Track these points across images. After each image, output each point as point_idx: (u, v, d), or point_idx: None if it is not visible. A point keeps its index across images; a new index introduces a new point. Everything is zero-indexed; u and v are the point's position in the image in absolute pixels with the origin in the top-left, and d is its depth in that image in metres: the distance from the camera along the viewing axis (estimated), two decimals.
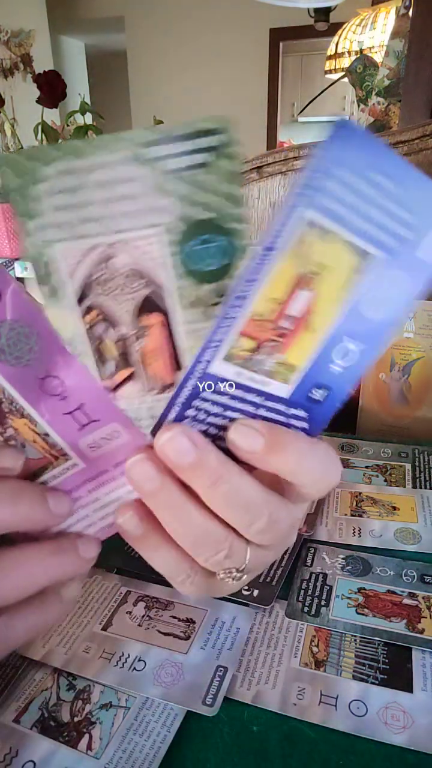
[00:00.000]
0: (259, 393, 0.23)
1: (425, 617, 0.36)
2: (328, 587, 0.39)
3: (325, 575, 0.40)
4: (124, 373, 0.23)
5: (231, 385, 0.22)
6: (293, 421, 0.24)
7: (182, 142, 0.20)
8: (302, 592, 0.39)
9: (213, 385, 0.22)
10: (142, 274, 0.21)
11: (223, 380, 0.22)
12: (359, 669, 0.33)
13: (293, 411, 0.23)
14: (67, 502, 0.26)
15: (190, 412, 0.23)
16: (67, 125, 1.86)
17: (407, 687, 0.32)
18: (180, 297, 0.22)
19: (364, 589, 0.39)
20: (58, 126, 1.85)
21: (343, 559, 0.42)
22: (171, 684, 0.32)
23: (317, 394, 0.23)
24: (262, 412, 0.23)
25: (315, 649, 0.35)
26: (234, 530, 0.24)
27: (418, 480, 0.53)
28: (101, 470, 0.25)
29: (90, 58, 5.05)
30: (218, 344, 0.21)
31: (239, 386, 0.22)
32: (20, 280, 1.77)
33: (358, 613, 0.37)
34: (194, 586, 0.26)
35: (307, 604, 0.38)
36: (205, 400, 0.23)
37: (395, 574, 0.40)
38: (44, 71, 1.79)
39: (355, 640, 0.35)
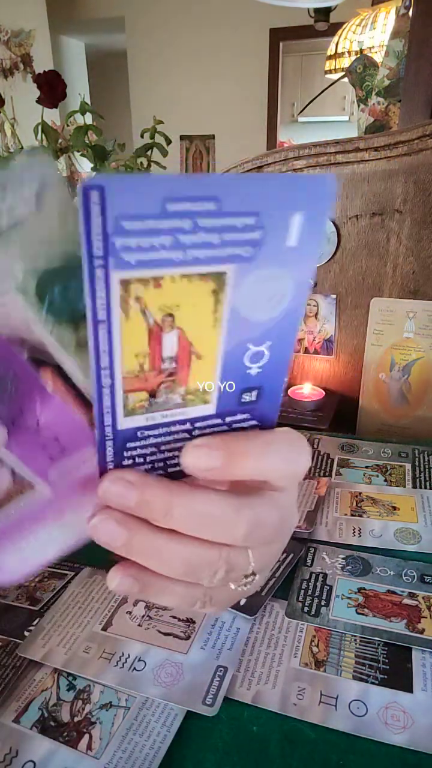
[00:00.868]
0: (183, 422, 0.23)
1: (425, 617, 0.36)
2: (328, 587, 0.39)
3: (325, 575, 0.40)
4: None
5: (149, 429, 0.22)
6: (237, 425, 0.24)
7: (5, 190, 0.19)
8: (302, 592, 0.39)
9: (131, 437, 0.22)
10: (19, 340, 0.22)
11: (137, 429, 0.22)
12: (359, 669, 0.33)
13: (230, 418, 0.23)
14: None
15: (127, 462, 0.23)
16: (67, 125, 1.86)
17: (407, 687, 0.32)
18: (62, 346, 0.22)
19: (364, 589, 0.39)
20: (58, 126, 1.84)
21: (343, 559, 0.42)
22: (171, 684, 0.32)
23: (248, 397, 0.23)
24: (198, 433, 0.23)
25: (315, 649, 0.35)
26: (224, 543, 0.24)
27: (418, 480, 0.53)
28: (69, 496, 0.24)
29: (90, 58, 5.05)
30: (110, 409, 0.21)
31: (158, 426, 0.22)
32: None
33: (358, 613, 0.37)
34: (215, 605, 0.26)
35: (307, 604, 0.38)
36: (132, 448, 0.23)
37: (395, 574, 0.40)
38: (44, 71, 1.78)
39: (355, 640, 0.35)
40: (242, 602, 0.37)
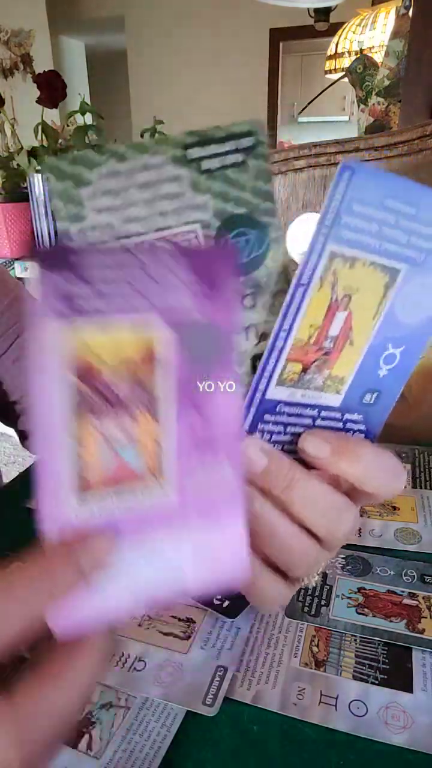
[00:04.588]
0: (314, 407, 0.25)
1: (425, 617, 0.36)
2: (328, 587, 0.39)
3: (325, 575, 0.40)
4: None
5: (287, 405, 0.24)
6: (350, 425, 0.26)
7: (218, 144, 0.21)
8: (302, 591, 0.39)
9: (271, 408, 0.24)
10: None
11: (279, 402, 0.24)
12: (359, 669, 0.33)
13: (347, 416, 0.26)
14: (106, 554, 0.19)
15: (256, 435, 0.25)
16: (67, 125, 1.86)
17: (407, 687, 0.32)
18: None
19: (364, 588, 0.39)
20: (58, 126, 1.85)
21: (343, 558, 0.42)
22: (171, 684, 0.32)
23: (369, 398, 0.25)
24: (319, 422, 0.25)
25: (315, 649, 0.35)
26: (315, 538, 0.26)
27: (418, 480, 0.53)
28: (185, 512, 0.20)
29: (90, 58, 5.05)
30: (270, 373, 0.23)
31: (294, 404, 0.25)
32: (20, 279, 1.77)
33: (358, 613, 0.37)
34: (283, 599, 0.28)
35: (307, 603, 0.38)
36: (266, 422, 0.25)
37: (395, 574, 0.40)
38: (44, 71, 1.79)
39: (355, 640, 0.35)
40: (225, 604, 0.37)
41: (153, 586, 0.20)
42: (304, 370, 0.24)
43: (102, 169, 0.20)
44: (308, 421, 0.25)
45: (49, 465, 0.18)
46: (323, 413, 0.25)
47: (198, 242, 0.22)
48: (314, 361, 0.24)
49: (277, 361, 0.23)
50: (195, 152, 0.21)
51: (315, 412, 0.25)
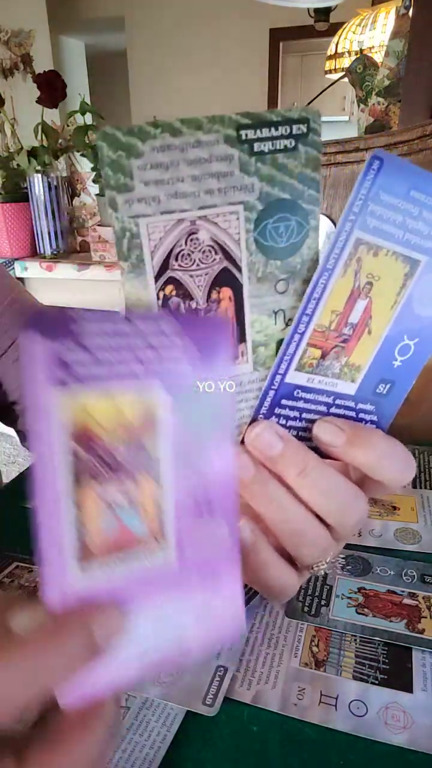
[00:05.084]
0: (329, 394, 0.25)
1: (425, 617, 0.36)
2: (328, 587, 0.39)
3: (325, 575, 0.40)
4: None
5: (305, 390, 0.25)
6: (362, 415, 0.26)
7: (272, 128, 0.22)
8: (302, 591, 0.39)
9: (289, 393, 0.25)
10: (219, 249, 0.23)
11: (297, 387, 0.25)
12: (359, 669, 0.33)
13: (361, 405, 0.26)
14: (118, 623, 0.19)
15: (272, 420, 0.25)
16: (67, 125, 1.86)
17: (407, 687, 0.32)
18: (250, 272, 0.23)
19: (364, 588, 0.39)
20: (58, 126, 1.85)
21: (343, 558, 0.42)
22: (171, 684, 0.32)
23: (382, 389, 0.26)
24: (333, 410, 0.26)
25: (315, 649, 0.35)
26: (324, 524, 0.26)
27: (418, 480, 0.53)
28: (186, 575, 0.20)
29: (90, 58, 5.04)
30: (291, 357, 0.24)
31: (311, 390, 0.25)
32: (21, 280, 1.77)
33: (358, 613, 0.37)
34: (292, 588, 0.28)
35: (307, 603, 0.38)
36: (283, 407, 0.25)
37: (395, 574, 0.40)
38: (44, 71, 1.79)
39: (355, 640, 0.35)
40: None
41: (159, 650, 0.20)
42: (323, 356, 0.24)
43: (155, 141, 0.20)
44: (323, 409, 0.26)
45: (50, 532, 0.18)
46: (338, 401, 0.26)
47: (242, 229, 0.23)
48: (333, 348, 0.24)
49: (298, 345, 0.24)
50: (249, 133, 0.21)
51: (330, 400, 0.25)
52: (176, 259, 0.22)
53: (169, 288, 0.23)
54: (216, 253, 0.23)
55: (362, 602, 0.38)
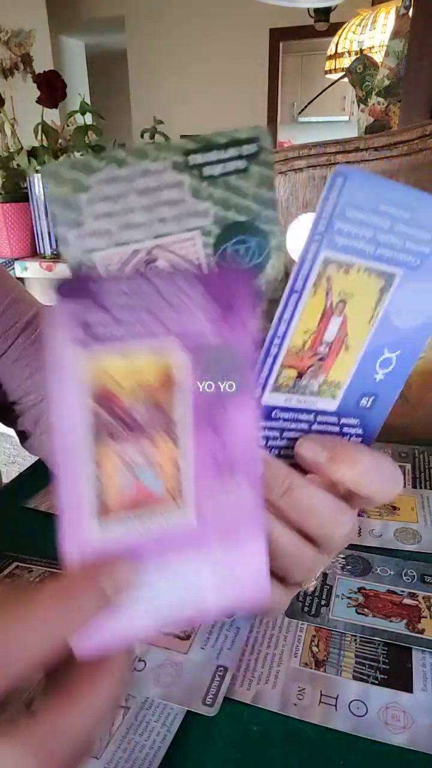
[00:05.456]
0: (309, 411, 0.25)
1: (425, 617, 0.36)
2: (328, 587, 0.39)
3: (325, 575, 0.40)
4: None
5: (283, 410, 0.24)
6: (347, 429, 0.26)
7: (221, 150, 0.21)
8: (302, 591, 0.39)
9: (267, 415, 0.24)
10: None
11: (274, 408, 0.24)
12: (359, 669, 0.33)
13: (344, 420, 0.26)
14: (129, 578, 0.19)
15: None
16: (67, 125, 1.86)
17: (407, 687, 0.32)
18: None
19: (364, 588, 0.39)
20: (58, 126, 1.84)
21: (343, 558, 0.42)
22: (171, 684, 0.32)
23: (366, 402, 0.25)
24: (315, 427, 0.25)
25: (315, 649, 0.35)
26: (313, 543, 0.26)
27: (418, 480, 0.53)
28: (205, 535, 0.20)
29: (90, 58, 5.05)
30: (265, 379, 0.23)
31: (290, 410, 0.25)
32: (21, 280, 1.77)
33: (358, 613, 0.37)
34: (282, 605, 0.28)
35: (307, 603, 0.38)
36: (263, 428, 0.25)
37: (395, 574, 0.40)
38: (44, 71, 1.79)
39: (355, 640, 0.35)
40: None
41: (174, 608, 0.20)
42: (300, 375, 0.24)
43: (101, 174, 0.20)
44: (305, 426, 0.25)
45: (69, 489, 0.18)
46: (319, 418, 0.25)
47: (201, 254, 0.22)
48: (310, 367, 0.24)
49: (272, 367, 0.23)
50: (197, 158, 0.21)
51: (311, 417, 0.25)
52: None
53: None
54: None
55: (362, 602, 0.38)
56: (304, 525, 0.25)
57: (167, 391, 0.19)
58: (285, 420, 0.25)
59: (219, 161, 0.21)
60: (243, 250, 0.23)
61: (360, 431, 0.26)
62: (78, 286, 0.17)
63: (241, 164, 0.21)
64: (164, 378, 0.19)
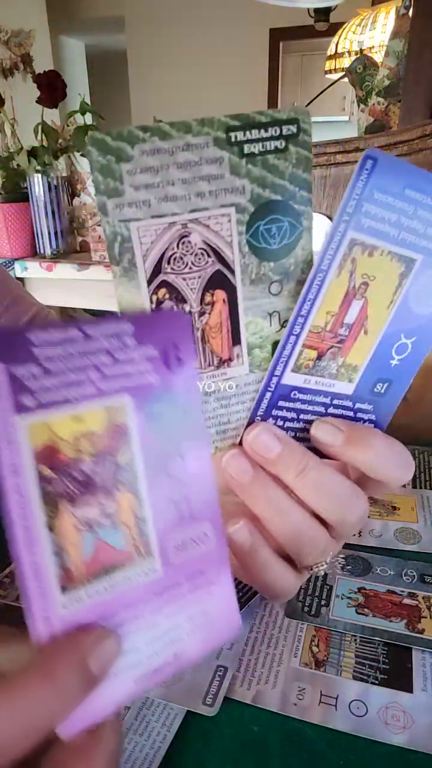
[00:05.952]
0: (326, 394, 0.25)
1: (425, 617, 0.36)
2: (328, 587, 0.39)
3: (325, 575, 0.40)
4: None
5: (301, 392, 0.25)
6: (360, 414, 0.26)
7: (261, 129, 0.21)
8: (302, 591, 0.39)
9: (286, 395, 0.25)
10: (211, 252, 0.23)
11: (293, 389, 0.25)
12: (359, 669, 0.33)
13: (359, 405, 0.26)
14: (115, 649, 0.19)
15: (271, 421, 0.25)
16: (67, 125, 1.86)
17: (407, 687, 0.32)
18: (243, 274, 0.23)
19: (364, 588, 0.39)
20: (58, 126, 1.84)
21: (343, 558, 0.42)
22: (171, 684, 0.32)
23: (380, 388, 0.26)
24: (331, 410, 0.26)
25: (315, 649, 0.35)
26: (326, 526, 0.26)
27: (418, 480, 0.53)
28: (174, 583, 0.20)
29: (90, 58, 5.04)
30: (287, 358, 0.24)
31: (308, 391, 0.25)
32: (21, 280, 1.77)
33: (358, 613, 0.37)
34: (293, 589, 0.28)
35: (307, 603, 0.38)
36: (281, 408, 0.25)
37: (395, 574, 0.40)
38: (44, 71, 1.78)
39: (355, 640, 0.35)
40: None
41: (154, 663, 0.20)
42: (319, 357, 0.24)
43: (144, 145, 0.20)
44: (320, 409, 0.26)
45: (29, 563, 0.17)
46: (335, 401, 0.26)
47: (234, 231, 0.22)
48: (329, 349, 0.24)
49: (294, 346, 0.24)
50: (238, 135, 0.21)
51: (327, 400, 0.25)
52: (168, 263, 0.22)
53: (162, 291, 0.22)
54: (208, 255, 0.23)
55: (362, 602, 0.38)
56: (319, 506, 0.25)
57: (115, 439, 0.18)
58: (302, 402, 0.25)
59: (259, 139, 0.21)
60: (275, 230, 0.23)
61: (373, 417, 0.27)
62: (18, 349, 0.16)
63: (280, 144, 0.22)
64: (110, 426, 0.18)
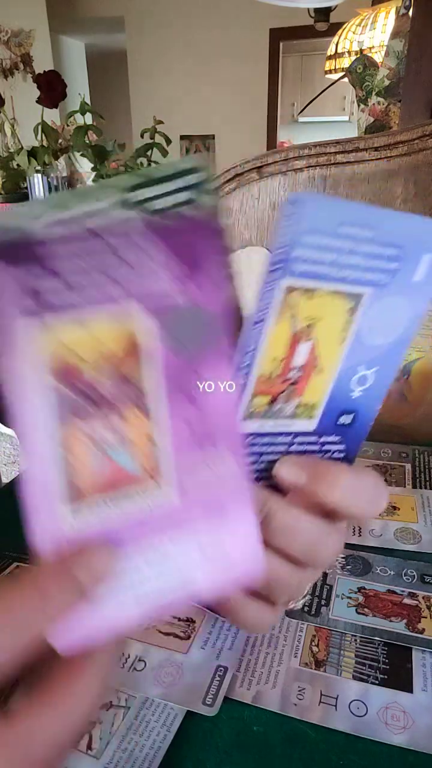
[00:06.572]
0: (287, 434, 0.24)
1: (425, 617, 0.36)
2: (328, 587, 0.39)
3: (325, 574, 0.40)
4: None
5: (259, 436, 0.24)
6: (327, 446, 0.25)
7: (165, 183, 0.20)
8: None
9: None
10: None
11: (249, 435, 0.23)
12: (359, 669, 0.33)
13: (324, 438, 0.25)
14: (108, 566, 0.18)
15: None
16: (67, 125, 1.86)
17: (407, 687, 0.32)
18: None
19: (364, 588, 0.39)
20: (58, 126, 1.85)
21: (343, 558, 0.42)
22: (171, 684, 0.32)
23: (345, 419, 0.25)
24: (295, 447, 0.25)
25: (315, 649, 0.35)
26: (299, 564, 0.25)
27: (418, 480, 0.53)
28: (186, 510, 0.19)
29: (90, 58, 5.05)
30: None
31: (266, 434, 0.24)
32: None
33: (358, 613, 0.37)
34: (269, 624, 0.28)
35: (307, 603, 0.38)
36: None
37: (395, 574, 0.40)
38: (44, 71, 1.79)
39: (355, 640, 0.35)
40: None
41: (162, 594, 0.19)
42: (272, 401, 0.23)
43: (43, 219, 0.20)
44: (283, 448, 0.25)
45: (37, 476, 0.17)
46: (298, 438, 0.25)
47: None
48: (282, 392, 0.23)
49: (241, 395, 0.22)
50: (141, 194, 0.20)
51: (289, 439, 0.24)
52: None
53: None
54: None
55: (362, 602, 0.38)
56: (288, 549, 0.24)
57: (133, 360, 0.17)
58: (262, 444, 0.24)
59: (167, 194, 0.20)
60: None
61: (342, 447, 0.26)
62: (23, 250, 0.15)
63: (188, 195, 0.20)
64: (129, 346, 0.17)
